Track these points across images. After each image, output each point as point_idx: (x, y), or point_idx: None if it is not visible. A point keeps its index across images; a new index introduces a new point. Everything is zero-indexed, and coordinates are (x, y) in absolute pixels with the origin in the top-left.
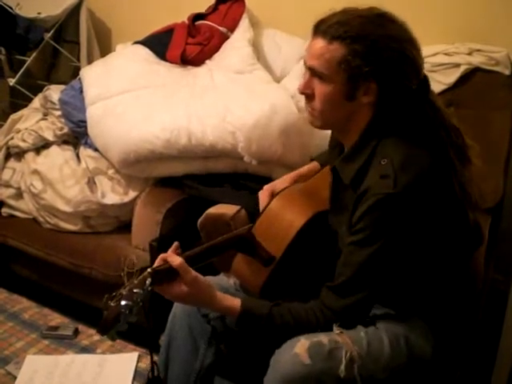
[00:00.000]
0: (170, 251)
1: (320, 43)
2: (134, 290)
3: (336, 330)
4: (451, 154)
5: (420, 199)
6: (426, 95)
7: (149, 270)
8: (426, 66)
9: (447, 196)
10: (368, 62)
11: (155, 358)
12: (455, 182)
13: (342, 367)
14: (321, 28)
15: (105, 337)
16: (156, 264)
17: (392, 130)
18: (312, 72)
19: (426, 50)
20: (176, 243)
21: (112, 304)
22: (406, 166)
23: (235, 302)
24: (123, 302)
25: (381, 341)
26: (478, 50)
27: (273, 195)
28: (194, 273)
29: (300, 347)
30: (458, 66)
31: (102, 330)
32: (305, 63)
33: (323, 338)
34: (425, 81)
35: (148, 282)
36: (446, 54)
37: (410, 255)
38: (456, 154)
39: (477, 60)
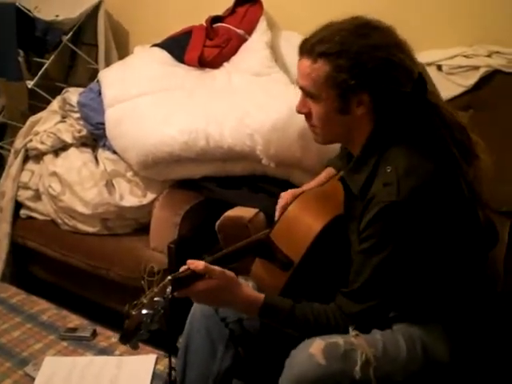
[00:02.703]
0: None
1: (305, 63)
2: (155, 299)
3: (352, 332)
4: (455, 153)
5: (425, 204)
6: (422, 96)
7: (169, 277)
8: (445, 69)
9: (455, 197)
10: (354, 75)
11: (173, 360)
12: (462, 181)
13: (357, 368)
14: (305, 47)
15: (127, 345)
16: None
17: (395, 137)
18: (304, 92)
19: (444, 53)
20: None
21: (133, 313)
22: (409, 173)
23: (258, 295)
24: (144, 311)
25: (397, 343)
26: (497, 52)
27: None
28: (218, 268)
29: (315, 347)
30: (477, 68)
31: (124, 339)
32: (297, 83)
33: (339, 339)
34: (420, 81)
35: (169, 290)
36: (464, 56)
37: (423, 259)
38: (461, 151)
39: (496, 62)
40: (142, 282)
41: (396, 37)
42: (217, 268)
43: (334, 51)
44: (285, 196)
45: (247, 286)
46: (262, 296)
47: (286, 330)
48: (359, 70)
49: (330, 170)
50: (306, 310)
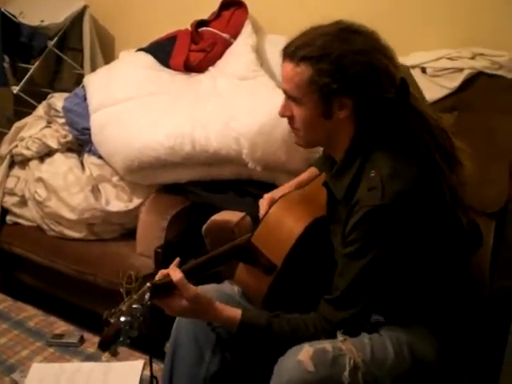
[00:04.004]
0: (171, 267)
1: (288, 67)
2: (133, 306)
3: (340, 337)
4: (437, 159)
5: (409, 209)
6: (405, 101)
7: (148, 284)
8: (429, 71)
9: (438, 202)
10: (335, 79)
11: (160, 366)
12: (445, 186)
13: (346, 374)
14: (288, 51)
15: (106, 352)
16: (157, 278)
17: (378, 142)
18: (286, 95)
19: (428, 55)
20: (177, 260)
21: (112, 320)
22: (393, 177)
23: (235, 313)
24: (122, 318)
25: (385, 347)
26: (481, 54)
27: (272, 203)
28: (193, 289)
29: (304, 354)
30: (461, 70)
31: (102, 347)
32: (281, 87)
33: (327, 345)
34: (403, 87)
35: (147, 296)
36: (449, 58)
37: (406, 263)
38: (443, 157)
39: (480, 64)
40: (121, 289)
41: (379, 42)
42: (190, 289)
43: (315, 55)
44: (263, 204)
45: (223, 306)
46: (238, 315)
47: (267, 348)
48: (341, 74)
49: (312, 170)
50: (283, 323)
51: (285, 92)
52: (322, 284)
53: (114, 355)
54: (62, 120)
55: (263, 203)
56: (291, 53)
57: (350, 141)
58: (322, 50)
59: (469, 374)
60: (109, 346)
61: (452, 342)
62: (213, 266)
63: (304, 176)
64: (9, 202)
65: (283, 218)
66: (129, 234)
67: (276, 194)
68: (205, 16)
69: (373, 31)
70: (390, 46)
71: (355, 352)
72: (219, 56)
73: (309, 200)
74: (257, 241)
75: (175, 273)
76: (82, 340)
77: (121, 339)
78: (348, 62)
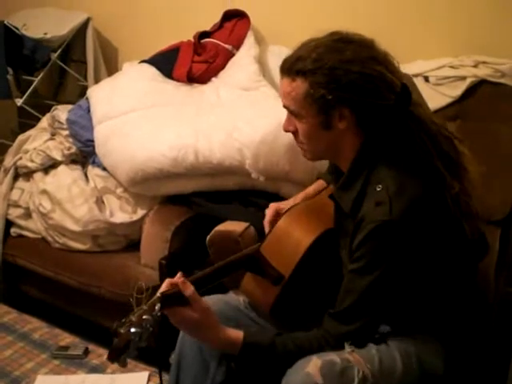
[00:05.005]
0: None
1: (285, 82)
2: (144, 317)
3: (348, 348)
4: (440, 166)
5: (416, 223)
6: (406, 108)
7: (158, 294)
8: (432, 80)
9: (443, 214)
10: (330, 90)
11: (165, 377)
12: (447, 193)
13: None
14: (284, 67)
15: (115, 363)
16: (163, 288)
17: (383, 153)
18: (287, 110)
19: (431, 64)
20: (179, 274)
21: (122, 331)
22: (400, 192)
23: (238, 335)
24: (133, 330)
25: (393, 358)
26: (484, 63)
27: (279, 214)
28: (204, 302)
29: (312, 366)
30: (463, 78)
31: (112, 358)
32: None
33: (335, 357)
34: (404, 93)
35: (157, 307)
36: (451, 66)
37: (413, 277)
38: (445, 164)
39: (483, 72)
40: (131, 299)
41: (373, 50)
42: (201, 302)
43: (310, 68)
44: (268, 212)
45: (226, 328)
46: (241, 336)
47: (272, 368)
48: (335, 84)
49: (320, 183)
50: (287, 341)
51: (285, 107)
52: (329, 295)
53: (124, 366)
54: (66, 132)
55: (268, 211)
56: (287, 68)
57: (355, 151)
58: (316, 62)
59: (476, 381)
60: (118, 357)
61: (459, 352)
62: (220, 277)
63: (310, 189)
64: (13, 214)
65: (292, 230)
66: (133, 246)
67: (282, 205)
68: (207, 27)
69: (367, 39)
70: (389, 53)
71: (363, 363)
72: (222, 67)
73: (318, 212)
74: (265, 251)
75: (186, 285)
76: (86, 352)
77: (130, 350)
78: (341, 72)
